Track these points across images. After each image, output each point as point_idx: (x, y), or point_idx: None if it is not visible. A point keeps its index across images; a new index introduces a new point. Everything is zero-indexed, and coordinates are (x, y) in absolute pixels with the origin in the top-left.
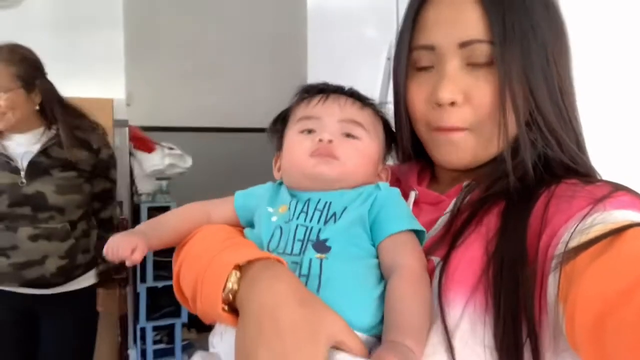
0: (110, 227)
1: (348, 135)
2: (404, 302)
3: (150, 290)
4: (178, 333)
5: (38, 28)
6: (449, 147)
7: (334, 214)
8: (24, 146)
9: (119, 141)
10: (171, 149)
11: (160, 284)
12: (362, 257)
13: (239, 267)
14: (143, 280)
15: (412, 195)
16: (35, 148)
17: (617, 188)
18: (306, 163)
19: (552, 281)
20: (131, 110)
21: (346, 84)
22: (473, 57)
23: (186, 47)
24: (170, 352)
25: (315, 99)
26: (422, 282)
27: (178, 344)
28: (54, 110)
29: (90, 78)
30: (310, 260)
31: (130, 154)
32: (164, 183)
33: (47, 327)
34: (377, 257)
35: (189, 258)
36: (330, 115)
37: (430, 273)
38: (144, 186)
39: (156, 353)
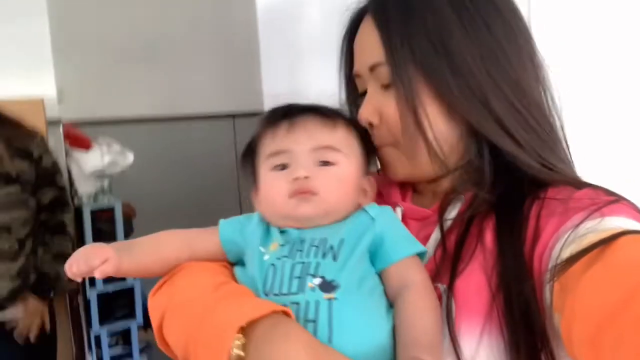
0: (64, 232)
1: (324, 163)
2: (419, 317)
3: (101, 296)
4: (134, 336)
5: None
6: (383, 162)
7: (331, 247)
8: None
9: (54, 141)
10: (110, 145)
11: (111, 288)
12: (371, 289)
13: (241, 328)
14: (92, 285)
15: (399, 211)
16: None
17: (608, 194)
18: (286, 206)
19: (547, 291)
20: (64, 106)
21: (304, 67)
22: (380, 79)
23: (118, 32)
24: (128, 355)
25: (281, 129)
26: (432, 297)
27: (135, 347)
28: None
29: (15, 76)
30: (317, 302)
31: (67, 154)
32: (105, 182)
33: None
34: (382, 282)
35: (175, 307)
36: (300, 146)
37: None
38: (84, 187)
39: (113, 359)
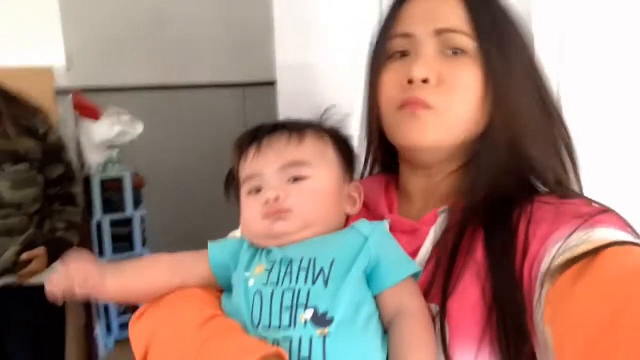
0: (74, 203)
1: (294, 178)
2: (414, 350)
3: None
4: None
5: None
6: (411, 123)
7: (322, 269)
8: None
9: (62, 111)
10: (119, 115)
11: (119, 257)
12: (367, 318)
13: None
14: (101, 254)
15: (385, 224)
16: None
17: (596, 205)
18: (260, 226)
19: (537, 303)
20: (72, 73)
21: (318, 40)
22: (448, 45)
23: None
24: None
25: (250, 153)
26: (428, 328)
27: None
28: None
29: (24, 45)
30: (311, 338)
31: (76, 123)
32: (114, 152)
33: (13, 343)
34: (377, 306)
35: (161, 343)
36: (268, 167)
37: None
38: (93, 157)
39: (122, 326)
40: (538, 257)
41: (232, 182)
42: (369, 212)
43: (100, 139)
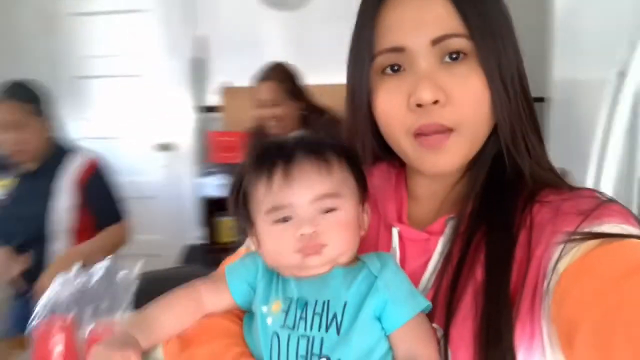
0: None
1: (326, 210)
2: None
3: None
4: None
5: (319, 24)
6: (437, 155)
7: (335, 315)
8: None
9: None
10: None
11: None
12: None
13: None
14: None
15: (395, 233)
16: None
17: (600, 198)
18: (293, 259)
19: (545, 303)
20: None
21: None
22: (446, 52)
23: None
24: None
25: (276, 183)
26: None
27: None
28: (310, 115)
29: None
30: None
31: None
32: None
33: None
34: (389, 345)
35: None
36: (301, 199)
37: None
38: None
39: None
40: (543, 260)
41: (242, 200)
42: (380, 217)
43: None
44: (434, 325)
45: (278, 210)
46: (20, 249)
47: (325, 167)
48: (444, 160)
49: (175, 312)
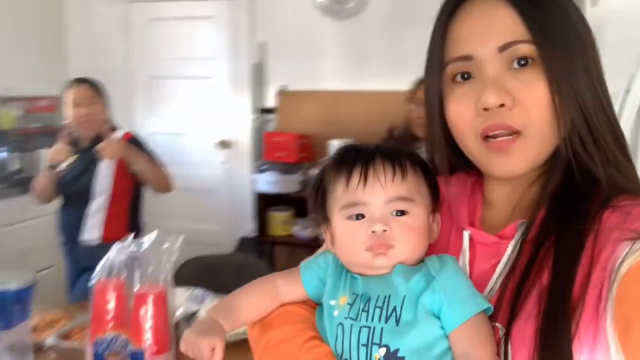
0: None
1: (398, 212)
2: None
3: None
4: None
5: (373, 32)
6: (502, 159)
7: (394, 308)
8: None
9: None
10: None
11: None
12: (437, 356)
13: None
14: None
15: (466, 235)
16: None
17: None
18: (362, 257)
19: (609, 304)
20: None
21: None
22: (514, 57)
23: None
24: None
25: (354, 181)
26: None
27: None
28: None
29: (415, 71)
30: None
31: None
32: None
33: None
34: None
35: (271, 349)
36: (376, 198)
37: (497, 343)
38: None
39: None
40: (609, 263)
41: (321, 196)
42: (452, 221)
43: None
44: (497, 324)
45: (353, 207)
46: (70, 204)
47: (400, 172)
48: (511, 163)
49: (254, 300)
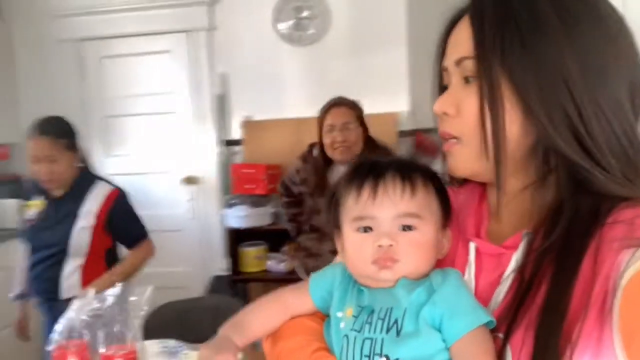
0: None
1: (405, 227)
2: None
3: None
4: None
5: (335, 58)
6: (449, 158)
7: (396, 321)
8: None
9: (404, 149)
10: None
11: None
12: None
13: None
14: None
15: (472, 247)
16: None
17: None
18: (368, 269)
19: (614, 312)
20: (415, 118)
21: None
22: (464, 72)
23: None
24: None
25: (364, 195)
26: None
27: None
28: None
29: (379, 94)
30: None
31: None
32: None
33: None
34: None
35: (284, 357)
36: (384, 213)
37: (497, 353)
38: None
39: None
40: (612, 271)
41: (334, 206)
42: (460, 232)
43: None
44: (499, 334)
45: (362, 220)
46: (41, 262)
47: (410, 188)
48: (452, 164)
49: (264, 315)
